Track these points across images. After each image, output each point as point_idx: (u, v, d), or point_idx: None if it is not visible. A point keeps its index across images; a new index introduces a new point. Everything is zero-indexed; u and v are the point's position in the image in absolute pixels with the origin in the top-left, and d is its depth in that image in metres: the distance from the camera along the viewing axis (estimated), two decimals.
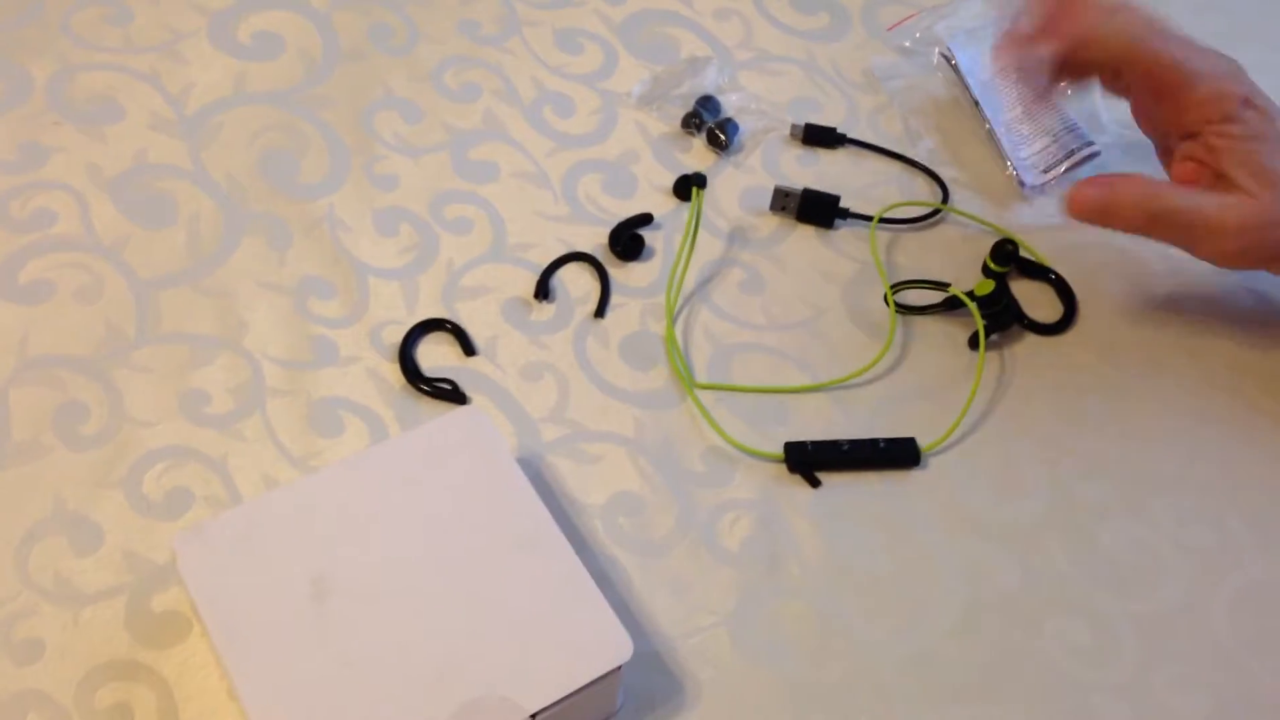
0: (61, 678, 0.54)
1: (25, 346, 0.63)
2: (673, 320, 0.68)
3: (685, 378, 0.66)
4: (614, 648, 0.52)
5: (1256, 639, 0.61)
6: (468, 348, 0.66)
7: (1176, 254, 0.67)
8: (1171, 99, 0.65)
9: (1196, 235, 0.65)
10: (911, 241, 0.73)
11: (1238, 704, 0.59)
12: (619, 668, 0.52)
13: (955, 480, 0.64)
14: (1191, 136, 0.65)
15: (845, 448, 0.64)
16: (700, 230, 0.72)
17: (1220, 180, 0.64)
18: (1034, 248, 0.73)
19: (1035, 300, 0.71)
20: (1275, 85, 0.65)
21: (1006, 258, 0.70)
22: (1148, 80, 0.65)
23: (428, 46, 0.79)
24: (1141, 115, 0.69)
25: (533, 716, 0.50)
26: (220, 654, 0.50)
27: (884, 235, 0.73)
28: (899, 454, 0.64)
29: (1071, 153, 0.74)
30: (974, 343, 0.69)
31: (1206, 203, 0.64)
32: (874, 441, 0.64)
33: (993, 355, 0.69)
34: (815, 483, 0.63)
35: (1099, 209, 0.65)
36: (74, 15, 0.77)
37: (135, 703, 0.54)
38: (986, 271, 0.71)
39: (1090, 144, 0.76)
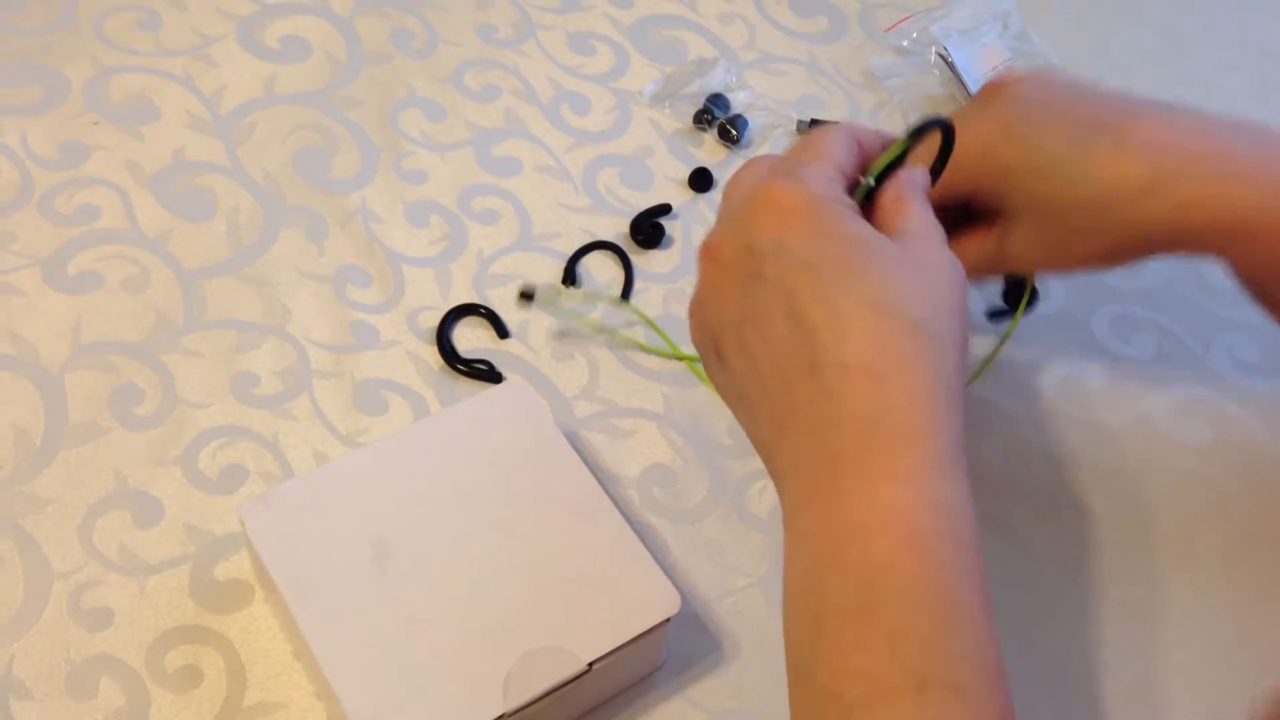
0: (132, 643, 0.57)
1: (78, 334, 0.66)
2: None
3: (697, 372, 0.69)
4: (663, 602, 0.55)
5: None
6: (501, 330, 0.69)
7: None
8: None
9: None
10: None
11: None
12: (668, 620, 0.55)
13: (968, 445, 0.68)
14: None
15: None
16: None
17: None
18: None
19: None
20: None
21: None
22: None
23: (447, 49, 0.82)
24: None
25: (589, 666, 0.53)
26: (292, 612, 0.53)
27: None
28: None
29: None
30: (992, 315, 0.72)
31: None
32: None
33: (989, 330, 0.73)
34: None
35: None
36: (105, 21, 0.79)
37: (204, 664, 0.57)
38: None
39: None
